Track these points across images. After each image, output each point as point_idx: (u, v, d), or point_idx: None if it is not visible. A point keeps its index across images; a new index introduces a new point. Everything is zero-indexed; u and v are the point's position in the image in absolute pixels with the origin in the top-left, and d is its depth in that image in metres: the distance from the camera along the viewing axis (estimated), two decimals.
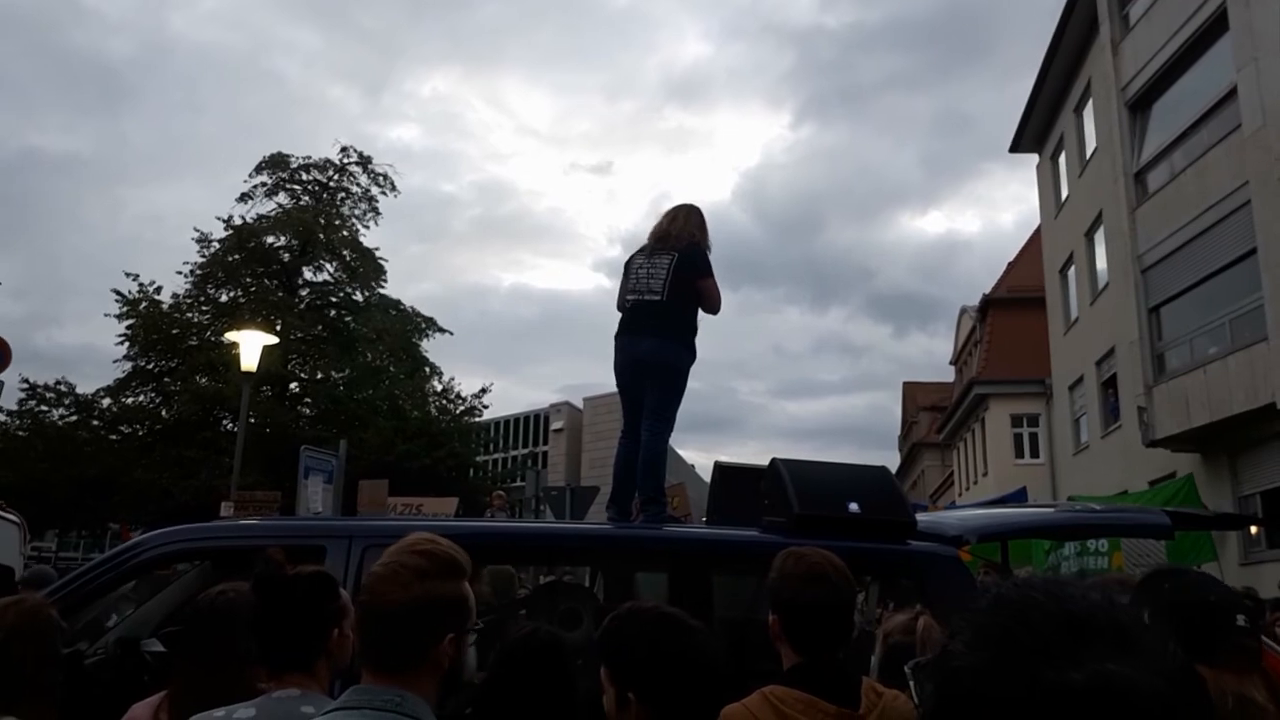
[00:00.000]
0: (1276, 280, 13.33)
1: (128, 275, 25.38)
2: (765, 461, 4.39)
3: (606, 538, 4.41)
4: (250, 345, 12.68)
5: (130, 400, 25.84)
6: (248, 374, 12.88)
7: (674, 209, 5.06)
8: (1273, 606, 8.13)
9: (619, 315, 5.00)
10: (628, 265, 4.96)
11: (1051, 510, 5.22)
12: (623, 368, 4.85)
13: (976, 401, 31.83)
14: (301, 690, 1.99)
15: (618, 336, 4.89)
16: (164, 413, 25.70)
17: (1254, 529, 14.37)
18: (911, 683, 1.99)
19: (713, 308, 4.91)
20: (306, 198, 28.64)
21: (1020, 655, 0.72)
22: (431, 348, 29.33)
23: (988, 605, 0.78)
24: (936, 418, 40.86)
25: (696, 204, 5.12)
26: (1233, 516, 10.93)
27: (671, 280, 4.75)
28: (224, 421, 25.18)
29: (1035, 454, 28.82)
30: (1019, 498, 16.14)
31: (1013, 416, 30.13)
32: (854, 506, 3.94)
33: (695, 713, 2.03)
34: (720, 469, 5.05)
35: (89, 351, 77.68)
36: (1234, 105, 14.42)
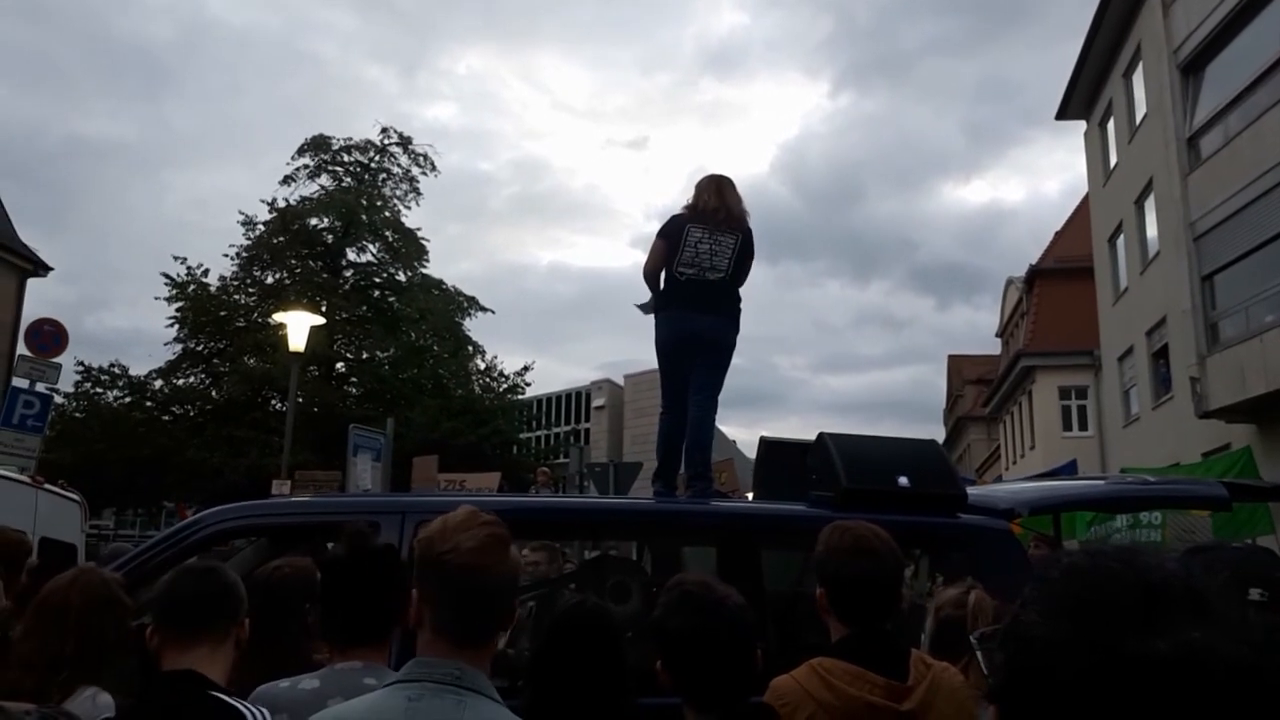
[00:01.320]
0: None
1: (176, 259, 25.86)
2: (809, 436, 4.39)
3: (654, 512, 4.43)
4: (297, 326, 12.87)
5: (181, 382, 26.39)
6: (295, 354, 13.08)
7: (716, 181, 4.99)
8: None
9: (647, 282, 4.94)
10: (675, 234, 4.83)
11: (1103, 483, 5.14)
12: (676, 343, 4.82)
13: (1023, 374, 31.41)
14: (365, 663, 2.04)
15: (668, 308, 4.84)
16: (214, 393, 26.20)
17: None
18: (979, 653, 1.98)
19: (743, 283, 5.02)
20: (348, 179, 28.90)
21: (1100, 625, 0.71)
22: (473, 326, 29.61)
23: (1061, 575, 0.77)
24: (982, 391, 40.40)
25: (729, 175, 5.10)
26: None
27: (736, 261, 4.82)
28: (273, 401, 25.61)
29: (1084, 426, 28.42)
30: (1069, 470, 15.89)
31: (1060, 389, 29.71)
32: (903, 480, 3.93)
33: (716, 685, 2.04)
34: (766, 444, 5.02)
35: (139, 335, 79.39)
36: None
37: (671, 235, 4.86)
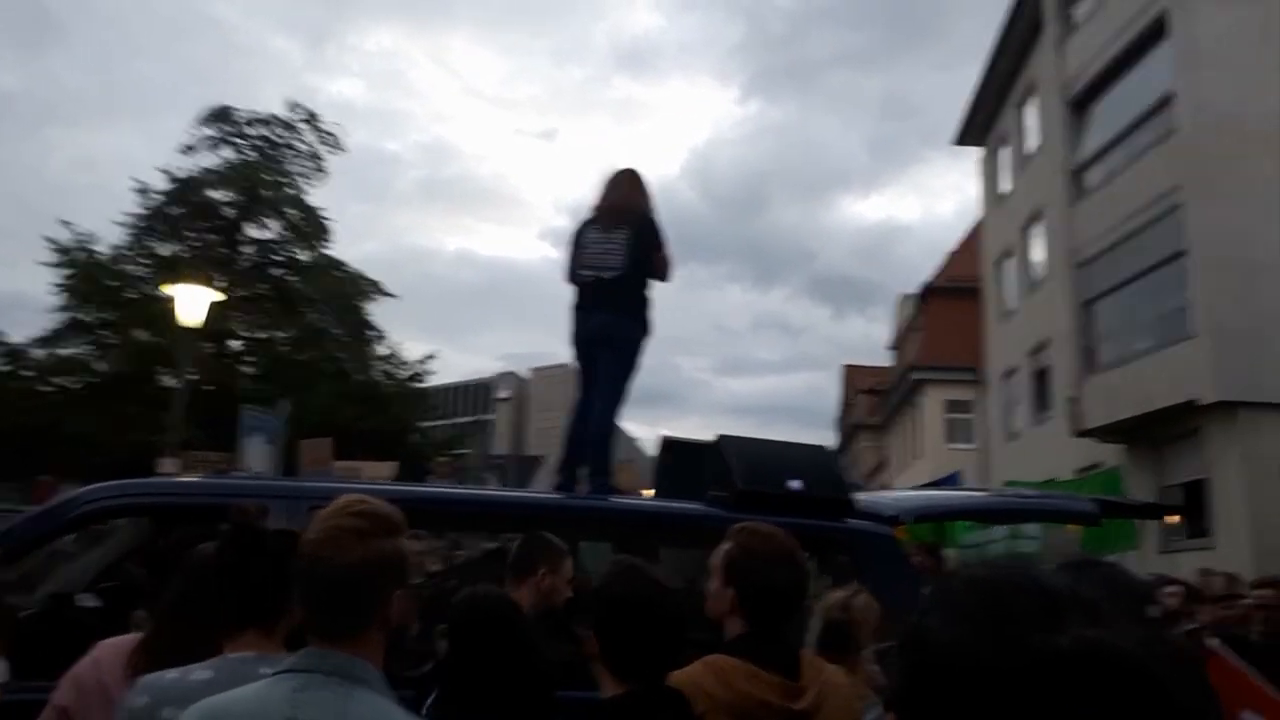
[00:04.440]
0: (1203, 281, 13.83)
1: (62, 223, 24.62)
2: (709, 437, 4.51)
3: (551, 506, 4.48)
4: (190, 300, 12.44)
5: (65, 351, 25.11)
6: (187, 330, 12.64)
7: (617, 176, 5.03)
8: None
9: (568, 287, 5.01)
10: (579, 237, 4.93)
11: (984, 494, 5.41)
12: (578, 343, 4.89)
13: (913, 386, 32.47)
14: (258, 652, 1.99)
15: (574, 310, 4.91)
16: (100, 365, 25.06)
17: (1174, 519, 14.94)
18: (876, 666, 2.07)
19: (666, 277, 4.95)
20: (252, 153, 27.98)
21: (1004, 626, 0.74)
22: (375, 311, 29.00)
23: (962, 584, 0.81)
24: (874, 400, 41.55)
25: (635, 168, 5.08)
26: (1155, 506, 11.34)
27: (628, 256, 4.77)
28: (162, 377, 24.64)
29: (969, 440, 29.52)
30: (952, 482, 16.56)
31: (947, 402, 30.83)
32: (795, 483, 4.07)
33: (641, 655, 2.08)
34: (667, 443, 5.14)
35: (18, 298, 74.95)
36: (1171, 109, 14.86)
37: (575, 241, 4.96)
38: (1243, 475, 13.23)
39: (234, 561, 2.08)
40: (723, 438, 4.32)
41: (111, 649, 2.27)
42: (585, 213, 5.06)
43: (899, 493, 5.75)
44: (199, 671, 1.95)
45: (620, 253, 4.78)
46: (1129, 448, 16.32)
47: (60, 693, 2.26)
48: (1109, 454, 16.87)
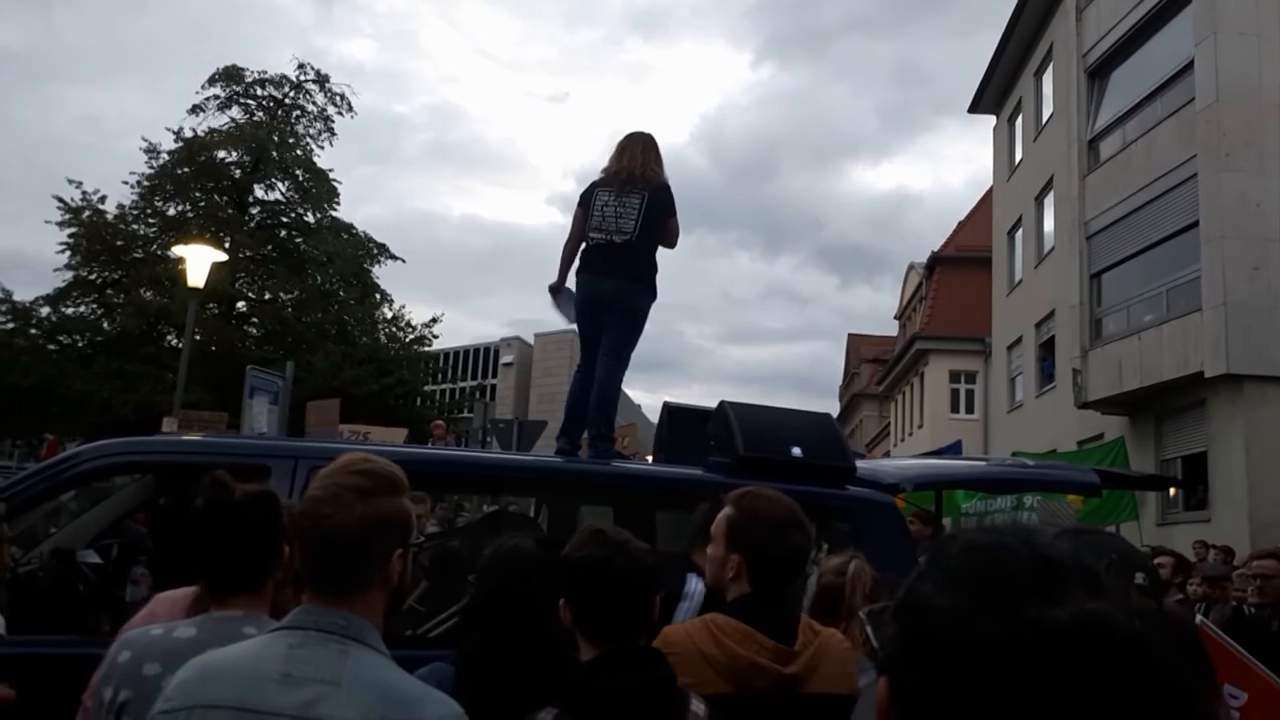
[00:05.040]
0: (1214, 254, 13.72)
1: (71, 182, 24.58)
2: (712, 404, 4.51)
3: (553, 470, 4.49)
4: (197, 261, 12.43)
5: (70, 310, 25.19)
6: (194, 290, 12.64)
7: (630, 139, 5.01)
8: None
9: (564, 254, 4.97)
10: (590, 198, 4.91)
11: (985, 463, 5.41)
12: (584, 306, 4.87)
13: (917, 356, 32.42)
14: (244, 611, 2.00)
15: (579, 273, 4.90)
16: (105, 325, 25.13)
17: (1173, 491, 14.97)
18: (868, 627, 2.08)
19: (673, 244, 4.96)
20: (261, 114, 27.86)
21: (1001, 595, 0.73)
22: (382, 274, 28.99)
23: (959, 550, 0.80)
24: (877, 369, 41.53)
25: (649, 133, 5.06)
26: (1155, 477, 11.36)
27: (642, 221, 4.75)
28: (168, 337, 24.72)
29: (971, 410, 29.53)
30: (954, 450, 16.61)
31: (951, 372, 30.79)
32: (796, 450, 4.08)
33: (611, 618, 2.09)
34: (669, 409, 5.13)
35: (22, 257, 75.14)
36: (1189, 79, 14.66)
37: (584, 203, 4.93)
38: (1244, 449, 13.20)
39: (211, 528, 2.08)
40: (724, 403, 4.32)
41: (168, 602, 2.28)
42: (596, 174, 5.03)
43: (900, 461, 5.76)
44: (183, 629, 1.97)
45: (633, 217, 4.76)
46: (1131, 419, 16.31)
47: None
48: (1111, 426, 16.87)
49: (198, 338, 20.86)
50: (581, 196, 4.99)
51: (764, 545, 2.38)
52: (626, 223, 4.77)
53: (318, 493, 1.66)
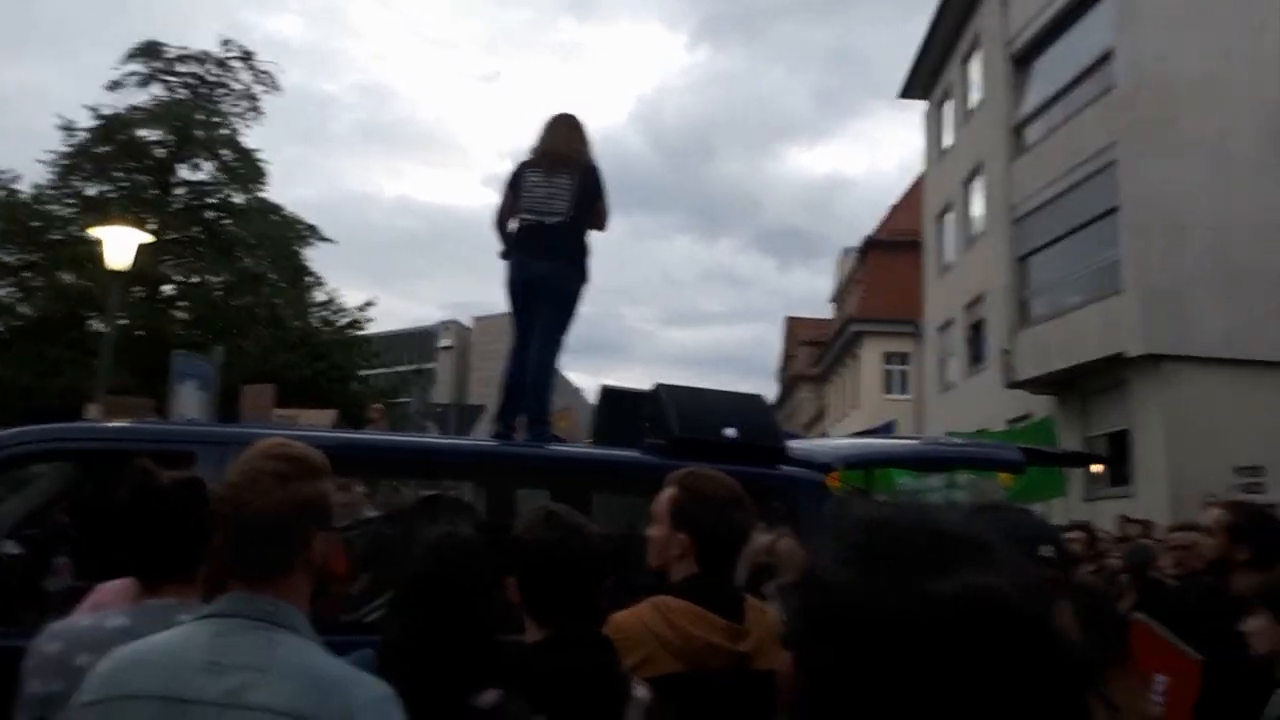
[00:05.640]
0: (1133, 237, 14.18)
1: None
2: (649, 387, 4.54)
3: (487, 453, 4.48)
4: (118, 242, 12.04)
5: None
6: (116, 273, 12.26)
7: (557, 120, 4.98)
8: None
9: (497, 232, 4.94)
10: (519, 179, 4.86)
11: (916, 442, 5.55)
12: (517, 288, 4.84)
13: (852, 338, 32.97)
14: (178, 599, 1.97)
15: (510, 256, 4.87)
16: (24, 309, 24.27)
17: (1098, 468, 15.47)
18: (779, 602, 2.13)
19: (604, 226, 4.94)
20: (183, 91, 27.04)
21: (890, 568, 0.73)
22: (313, 256, 28.41)
23: (854, 523, 0.80)
24: (814, 352, 42.07)
25: (576, 113, 5.02)
26: (1079, 455, 11.71)
27: (573, 202, 4.72)
28: (91, 321, 23.97)
29: (904, 391, 30.15)
30: (887, 430, 16.89)
31: (885, 354, 31.43)
32: (731, 431, 4.12)
33: (560, 600, 2.10)
34: (606, 392, 5.16)
35: None
36: (1110, 67, 15.08)
37: (512, 184, 4.88)
38: (1163, 426, 13.70)
39: (138, 516, 2.06)
40: (660, 386, 4.35)
41: (112, 593, 2.23)
42: (522, 154, 5.00)
43: (832, 441, 5.86)
44: (114, 618, 1.94)
45: (564, 198, 4.73)
46: (1058, 399, 16.78)
47: None
48: (1039, 405, 17.34)
49: (124, 322, 20.25)
50: (510, 177, 4.94)
51: (710, 524, 2.40)
52: (558, 204, 4.73)
53: (236, 478, 1.65)
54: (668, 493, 2.52)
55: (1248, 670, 2.75)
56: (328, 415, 10.53)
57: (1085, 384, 15.89)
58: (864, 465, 4.81)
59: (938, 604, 0.70)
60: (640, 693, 2.07)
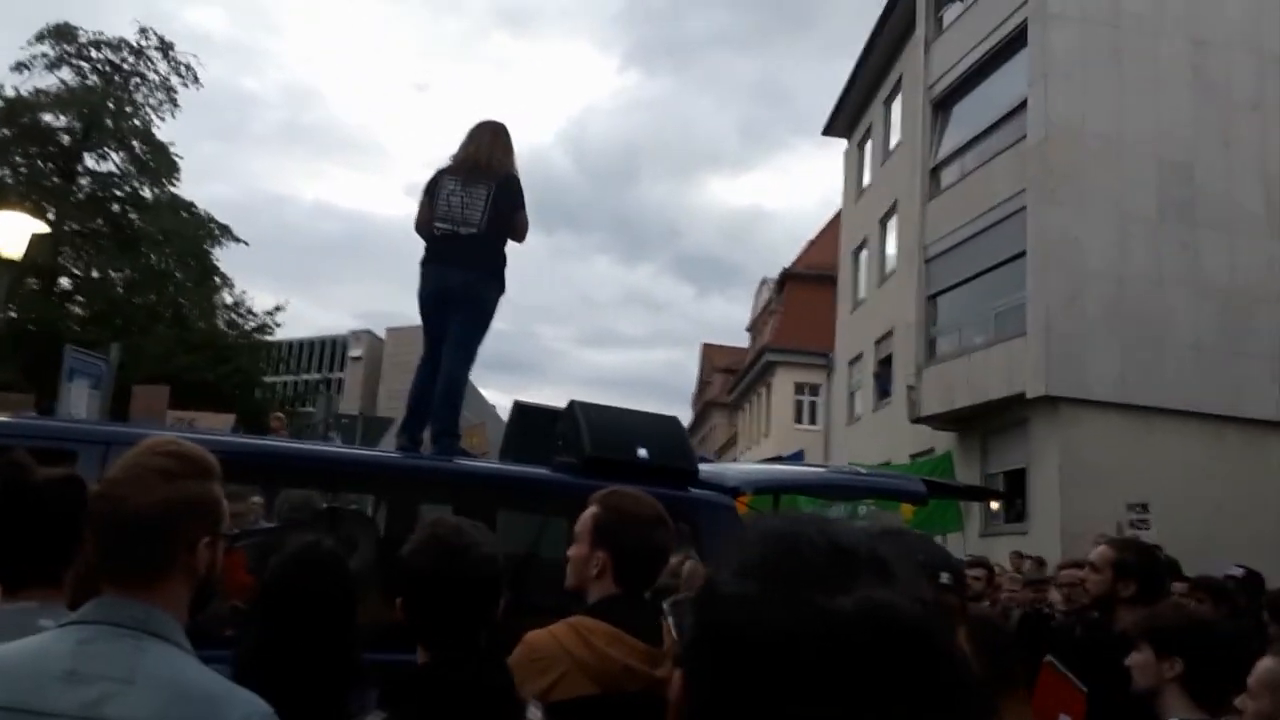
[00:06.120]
0: (1038, 283, 14.69)
1: None
2: (562, 405, 4.49)
3: (390, 465, 4.37)
4: (10, 230, 11.46)
5: None
6: (6, 262, 11.67)
7: (480, 127, 4.91)
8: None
9: (421, 237, 4.86)
10: (436, 186, 4.77)
11: (822, 470, 5.61)
12: (429, 297, 4.75)
13: (766, 367, 33.45)
14: (40, 603, 1.85)
15: (424, 264, 4.77)
16: None
17: (995, 504, 15.91)
18: (670, 619, 2.09)
19: (521, 238, 4.86)
20: (95, 78, 26.11)
21: (790, 583, 0.72)
22: (223, 257, 27.63)
23: (755, 537, 0.79)
24: (729, 379, 42.57)
25: (500, 122, 4.97)
26: (978, 489, 12.02)
27: (489, 213, 4.65)
28: None
29: (814, 421, 30.70)
30: (797, 459, 17.13)
31: (796, 384, 31.99)
32: (642, 452, 4.10)
33: (450, 627, 2.02)
34: (519, 407, 5.10)
35: None
36: (1023, 116, 15.64)
37: (430, 190, 4.80)
38: (1058, 466, 14.17)
39: (6, 512, 1.93)
40: (574, 403, 4.31)
41: None
42: (444, 162, 4.91)
43: (742, 466, 5.90)
44: None
45: (480, 209, 4.66)
46: (960, 435, 17.24)
47: None
48: (941, 440, 17.79)
49: (14, 315, 19.35)
50: (427, 184, 4.84)
51: (631, 542, 2.37)
52: (473, 214, 4.65)
53: (117, 474, 1.56)
54: (590, 511, 2.49)
55: (1130, 704, 2.82)
56: (225, 420, 10.22)
57: (986, 422, 16.36)
58: (772, 491, 4.84)
59: (835, 619, 0.69)
60: (534, 715, 2.01)
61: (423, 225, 4.82)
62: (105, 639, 1.47)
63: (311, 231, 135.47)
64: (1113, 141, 14.82)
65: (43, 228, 12.68)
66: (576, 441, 4.07)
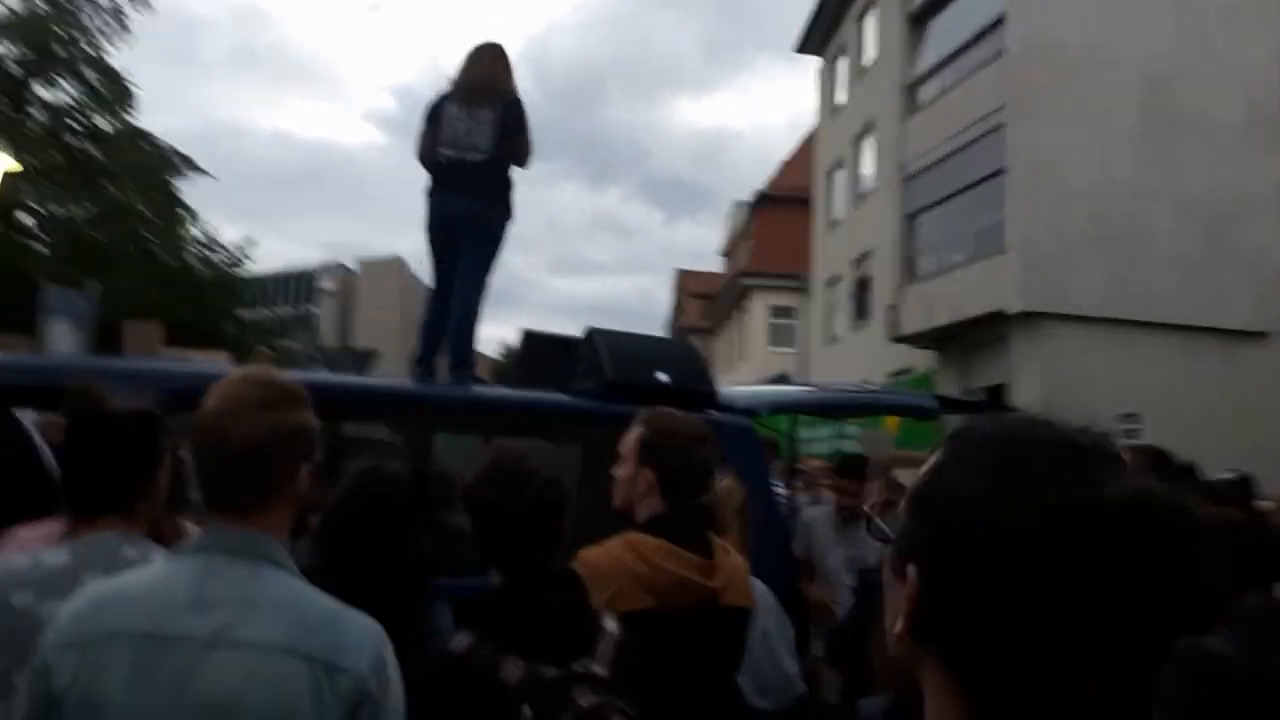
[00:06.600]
0: (1017, 199, 14.74)
1: None
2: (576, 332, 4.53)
3: (415, 395, 4.35)
4: None
5: None
6: None
7: (480, 50, 4.79)
8: None
9: (424, 165, 4.77)
10: (438, 113, 4.66)
11: (835, 390, 5.68)
12: (437, 227, 4.67)
13: (741, 292, 33.46)
14: (119, 532, 1.87)
15: (431, 193, 4.69)
16: None
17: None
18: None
19: (526, 163, 4.78)
20: (42, 3, 25.05)
21: (1038, 478, 0.73)
22: (186, 190, 26.96)
23: (982, 438, 0.80)
24: (703, 305, 42.58)
25: (500, 43, 4.84)
26: (989, 403, 12.15)
27: (494, 137, 4.56)
28: None
29: (789, 344, 30.87)
30: (781, 381, 17.30)
31: (772, 308, 32.06)
32: (663, 376, 4.14)
33: (518, 551, 2.07)
34: (528, 336, 5.12)
35: None
36: (1002, 31, 15.51)
37: (432, 116, 4.69)
38: (1039, 380, 14.41)
39: (76, 445, 1.94)
40: (592, 330, 4.34)
41: (35, 536, 2.08)
42: (444, 86, 4.80)
43: (752, 388, 5.96)
44: (52, 555, 1.82)
45: (486, 133, 4.57)
46: (940, 353, 17.45)
47: None
48: (920, 359, 18.01)
49: None
50: (429, 109, 4.73)
51: (676, 460, 2.43)
52: (480, 139, 4.56)
53: (219, 405, 1.56)
54: (635, 431, 2.55)
55: None
56: (218, 357, 10.10)
57: (966, 339, 16.55)
58: (785, 411, 4.90)
59: (1106, 505, 0.70)
60: (611, 626, 2.06)
61: (425, 152, 4.72)
62: (223, 566, 1.50)
63: (271, 162, 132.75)
64: (1093, 54, 14.74)
65: (14, 165, 12.32)
66: (597, 368, 4.09)
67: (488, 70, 4.73)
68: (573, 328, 5.09)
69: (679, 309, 50.10)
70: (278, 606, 1.48)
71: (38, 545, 2.07)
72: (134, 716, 1.38)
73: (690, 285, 47.33)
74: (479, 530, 2.10)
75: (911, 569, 0.78)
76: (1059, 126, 14.59)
